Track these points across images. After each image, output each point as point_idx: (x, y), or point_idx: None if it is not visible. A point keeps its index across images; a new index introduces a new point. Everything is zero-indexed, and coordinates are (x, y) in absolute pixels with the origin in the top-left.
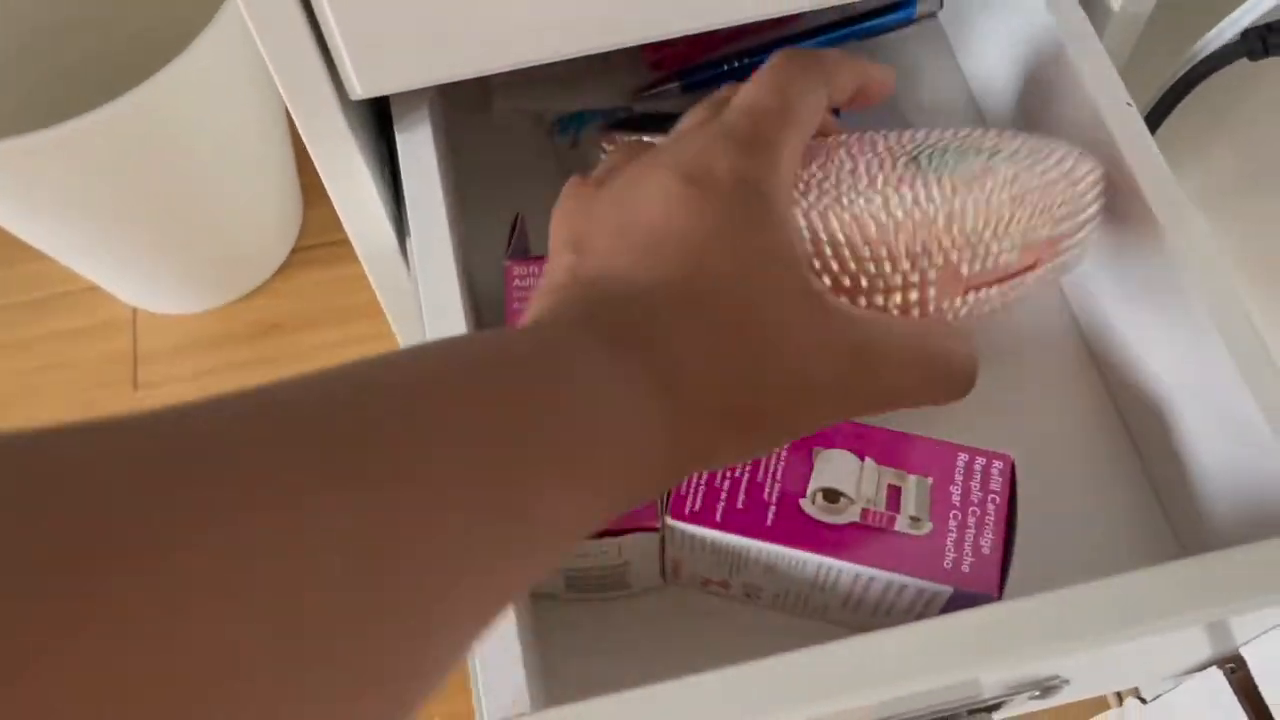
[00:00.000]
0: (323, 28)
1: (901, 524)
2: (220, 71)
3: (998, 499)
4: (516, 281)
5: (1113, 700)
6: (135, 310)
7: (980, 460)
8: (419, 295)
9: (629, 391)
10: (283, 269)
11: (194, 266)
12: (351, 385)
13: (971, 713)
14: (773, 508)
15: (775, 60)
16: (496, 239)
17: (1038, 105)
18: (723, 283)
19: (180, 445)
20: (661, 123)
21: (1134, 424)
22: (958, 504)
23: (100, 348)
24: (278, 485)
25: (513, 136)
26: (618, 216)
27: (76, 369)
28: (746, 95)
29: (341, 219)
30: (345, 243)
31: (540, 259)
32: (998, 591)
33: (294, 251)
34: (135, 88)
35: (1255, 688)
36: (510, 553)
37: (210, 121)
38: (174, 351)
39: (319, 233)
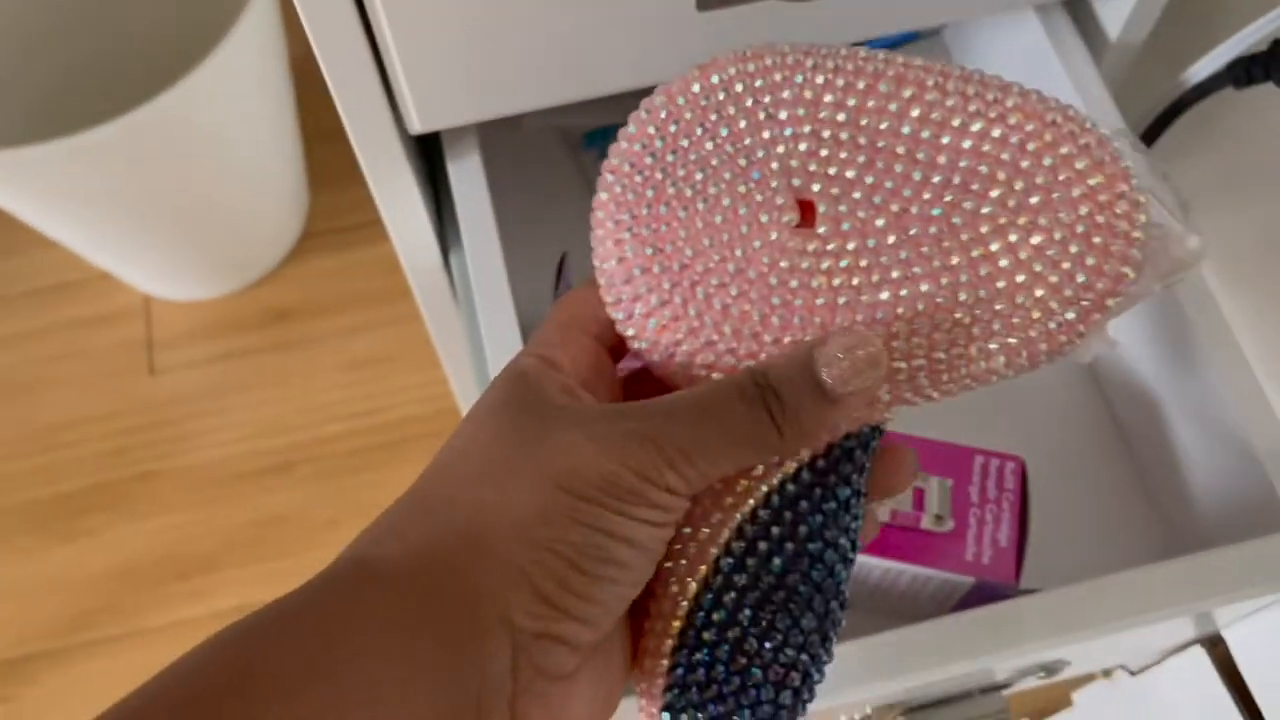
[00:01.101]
0: (387, 68)
1: (927, 522)
2: (238, 74)
3: (1012, 496)
4: None
5: (1101, 673)
6: (148, 298)
7: (995, 461)
8: (478, 322)
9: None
10: (292, 255)
11: (206, 255)
12: None
13: (984, 691)
14: None
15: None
16: (530, 256)
17: None
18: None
19: None
20: None
21: (1128, 430)
22: (976, 502)
23: (114, 335)
24: None
25: (542, 150)
26: None
27: (92, 357)
28: None
29: (392, 237)
30: (351, 229)
31: None
32: (1015, 580)
33: (302, 238)
34: (158, 95)
35: (1233, 663)
36: None
37: (226, 121)
38: (188, 337)
39: (326, 218)
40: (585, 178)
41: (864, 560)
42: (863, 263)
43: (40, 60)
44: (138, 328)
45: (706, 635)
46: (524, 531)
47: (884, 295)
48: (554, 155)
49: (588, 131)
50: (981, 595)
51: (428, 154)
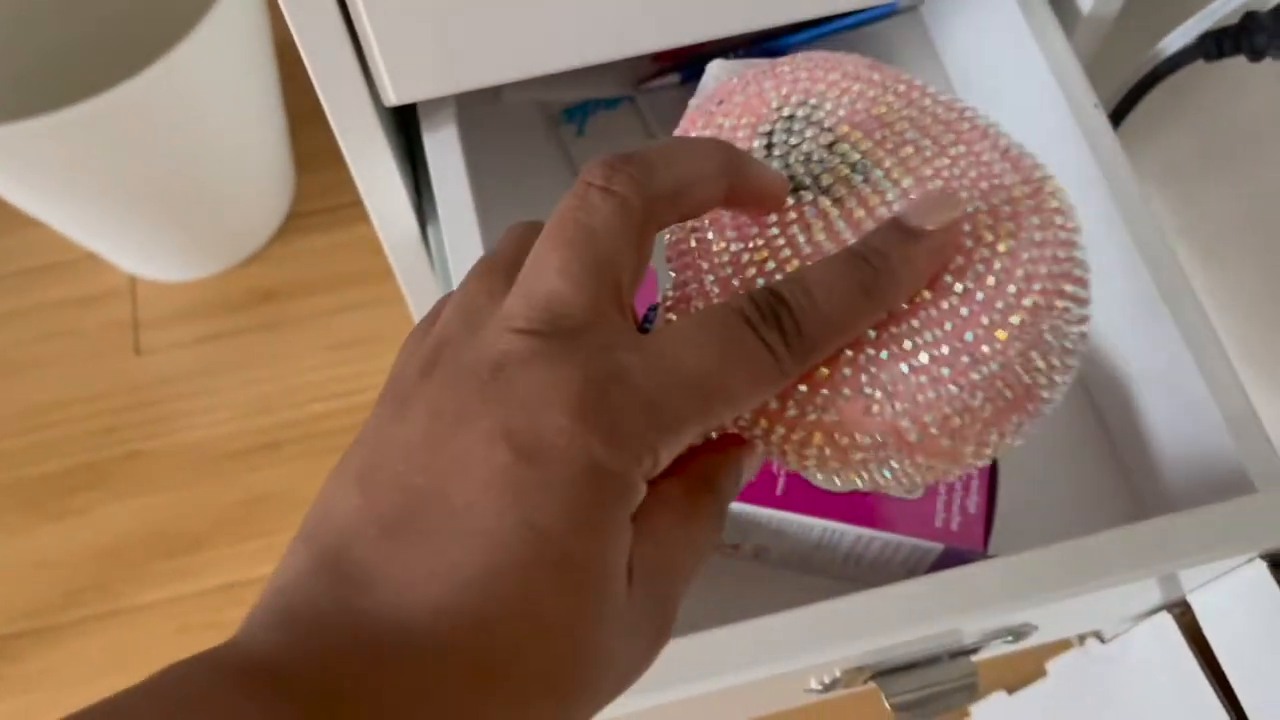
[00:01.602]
0: (361, 41)
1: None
2: (222, 51)
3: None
4: None
5: (1075, 641)
6: (134, 278)
7: None
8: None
9: None
10: (278, 235)
11: (192, 235)
12: None
13: (953, 656)
14: (781, 478)
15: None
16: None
17: (1009, 101)
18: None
19: None
20: None
21: (1098, 398)
22: None
23: (100, 315)
24: None
25: (521, 125)
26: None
27: (78, 337)
28: (552, 285)
29: (370, 212)
30: (337, 209)
31: None
32: (983, 546)
33: (288, 218)
34: (140, 71)
35: (1200, 630)
36: None
37: (211, 98)
38: (174, 318)
39: (312, 199)
40: (564, 153)
41: (833, 527)
42: None
43: (23, 39)
44: (124, 308)
45: None
46: None
47: None
48: (533, 130)
49: (566, 107)
50: (950, 562)
51: (406, 128)
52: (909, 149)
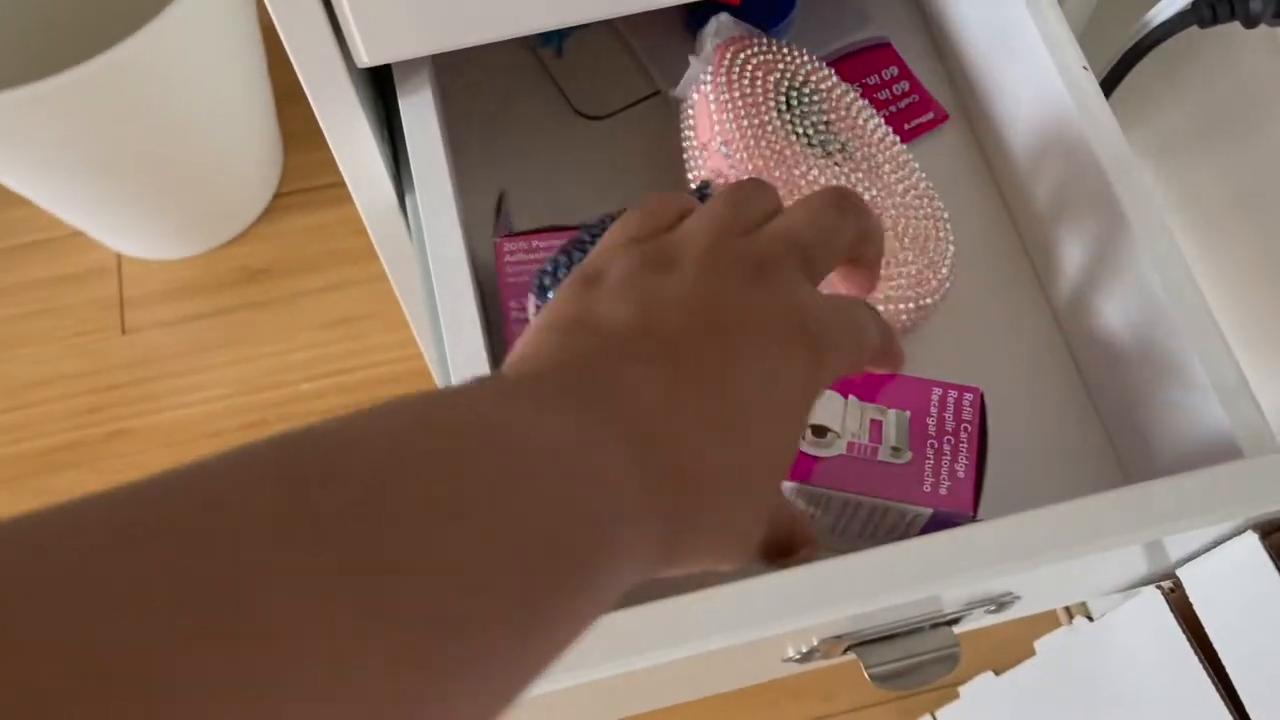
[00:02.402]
0: (332, 1)
1: (884, 454)
2: (205, 23)
3: (970, 428)
4: (508, 257)
5: (1063, 617)
6: (120, 256)
7: (953, 394)
8: (429, 265)
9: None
10: (265, 215)
11: (179, 213)
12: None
13: (934, 626)
14: None
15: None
16: (491, 182)
17: (998, 64)
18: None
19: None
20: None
21: (1085, 365)
22: (934, 434)
23: (86, 293)
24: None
25: (497, 49)
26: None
27: (63, 315)
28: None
29: (346, 179)
30: (325, 188)
31: (530, 234)
32: (973, 510)
33: (276, 197)
34: (121, 41)
35: (1190, 606)
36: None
37: (195, 72)
38: (160, 297)
39: (299, 178)
40: (547, 75)
41: (823, 493)
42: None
43: (8, 11)
44: (110, 286)
45: None
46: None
47: None
48: (513, 65)
49: None
50: (939, 526)
51: (386, 95)
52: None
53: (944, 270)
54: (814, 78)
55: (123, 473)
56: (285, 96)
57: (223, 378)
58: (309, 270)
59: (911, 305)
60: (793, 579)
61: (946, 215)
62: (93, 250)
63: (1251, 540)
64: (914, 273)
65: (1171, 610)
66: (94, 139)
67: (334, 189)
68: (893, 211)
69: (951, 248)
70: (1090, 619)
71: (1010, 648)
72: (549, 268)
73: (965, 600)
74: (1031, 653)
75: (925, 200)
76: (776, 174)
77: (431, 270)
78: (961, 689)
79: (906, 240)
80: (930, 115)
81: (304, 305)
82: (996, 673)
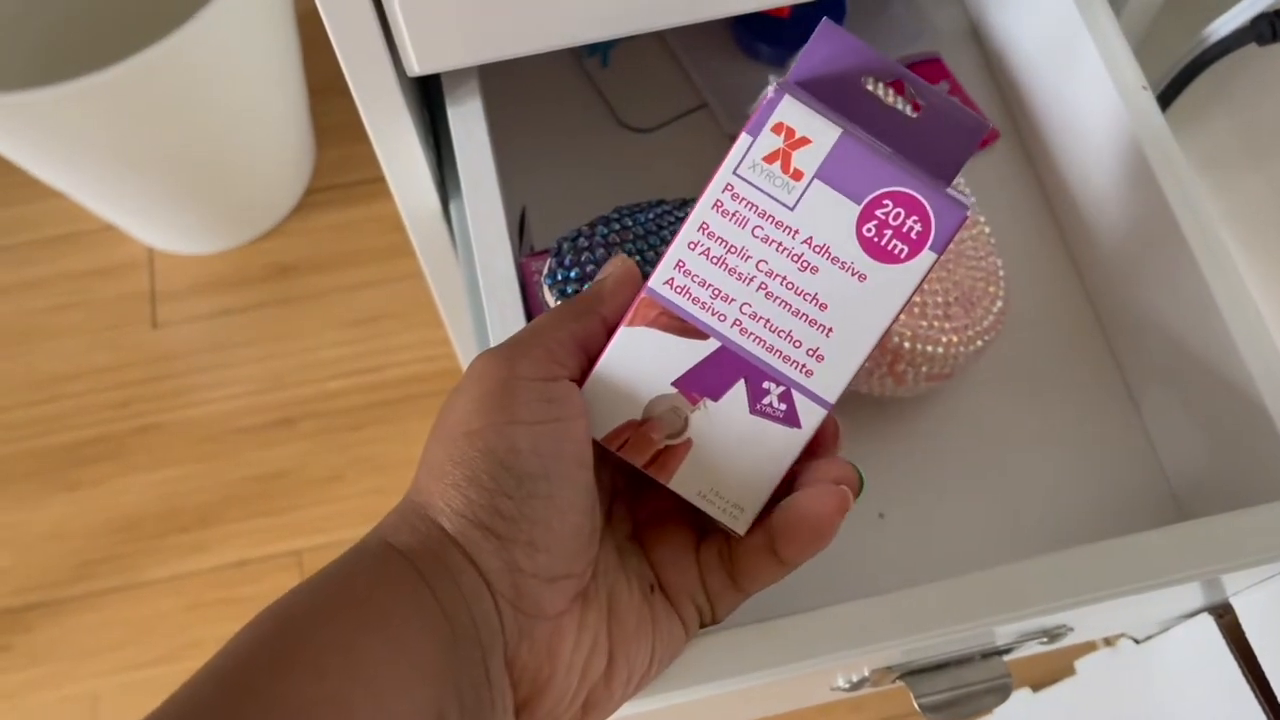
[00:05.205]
0: (385, 9)
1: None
2: (242, 23)
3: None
4: (536, 277)
5: (1100, 641)
6: (151, 250)
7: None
8: (477, 276)
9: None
10: (296, 211)
11: (211, 208)
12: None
13: (985, 656)
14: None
15: None
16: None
17: (1053, 80)
18: None
19: None
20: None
21: (1141, 392)
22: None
23: (117, 287)
24: None
25: (544, 65)
26: None
27: (94, 308)
28: None
29: (390, 184)
30: (355, 185)
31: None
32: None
33: (307, 193)
34: (158, 41)
35: (1242, 633)
36: None
37: (230, 71)
38: (191, 291)
39: (330, 175)
40: (592, 86)
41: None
42: None
43: (45, 9)
44: (141, 280)
45: None
46: (445, 481)
47: None
48: (557, 75)
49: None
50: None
51: (430, 100)
52: None
53: (988, 320)
54: None
55: (152, 469)
56: (317, 91)
57: (251, 373)
58: (339, 267)
59: (959, 350)
60: (849, 612)
61: (1002, 272)
62: (124, 244)
63: None
64: (960, 326)
65: (1223, 635)
66: (129, 136)
67: (365, 185)
68: (950, 264)
69: (1000, 302)
70: (1136, 641)
71: (1046, 663)
72: (571, 234)
73: (1018, 633)
74: (1070, 671)
75: (981, 255)
76: None
77: (480, 282)
78: None
79: (954, 298)
80: None
81: (333, 302)
82: (1034, 689)
